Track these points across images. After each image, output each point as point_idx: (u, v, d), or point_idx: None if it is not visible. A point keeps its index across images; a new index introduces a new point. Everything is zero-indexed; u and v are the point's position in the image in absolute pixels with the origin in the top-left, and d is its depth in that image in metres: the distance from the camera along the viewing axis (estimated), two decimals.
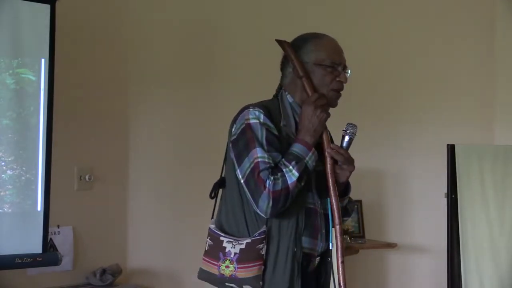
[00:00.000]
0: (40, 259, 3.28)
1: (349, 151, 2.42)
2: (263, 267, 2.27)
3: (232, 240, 2.30)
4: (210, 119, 4.20)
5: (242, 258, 2.26)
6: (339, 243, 2.34)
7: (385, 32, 4.93)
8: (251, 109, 2.33)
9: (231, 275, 2.27)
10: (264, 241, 2.27)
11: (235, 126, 2.36)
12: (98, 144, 3.92)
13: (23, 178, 3.26)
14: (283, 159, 2.27)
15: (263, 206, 2.23)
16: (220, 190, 2.44)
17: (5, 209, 3.23)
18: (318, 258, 2.42)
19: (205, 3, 4.32)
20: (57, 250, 3.44)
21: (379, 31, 4.90)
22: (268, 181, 2.22)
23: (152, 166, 4.10)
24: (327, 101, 2.38)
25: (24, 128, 3.27)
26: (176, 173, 4.16)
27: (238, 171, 2.29)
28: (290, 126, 2.38)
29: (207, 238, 2.37)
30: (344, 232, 3.49)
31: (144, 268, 4.04)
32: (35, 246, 3.27)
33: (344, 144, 2.43)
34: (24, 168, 3.27)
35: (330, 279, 2.44)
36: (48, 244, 3.34)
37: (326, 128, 2.38)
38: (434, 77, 5.08)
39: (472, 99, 5.22)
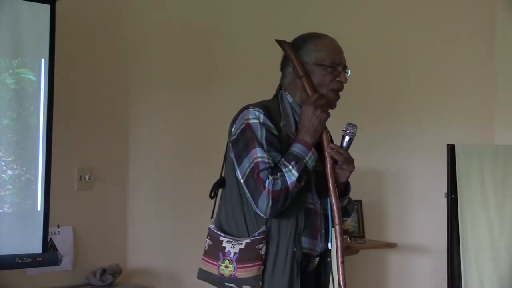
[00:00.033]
0: (40, 259, 3.28)
1: (349, 151, 2.42)
2: (262, 267, 2.27)
3: (231, 240, 2.30)
4: (210, 119, 4.20)
5: (242, 258, 2.26)
6: (339, 243, 2.34)
7: (385, 32, 4.93)
8: (251, 109, 2.33)
9: (231, 275, 2.27)
10: (263, 241, 2.26)
11: (235, 126, 2.36)
12: (98, 144, 3.92)
13: (23, 178, 3.26)
14: (282, 159, 2.27)
15: (263, 206, 2.23)
16: (220, 190, 2.44)
17: (5, 209, 3.24)
18: (317, 258, 2.41)
19: (205, 3, 4.32)
20: (57, 250, 3.45)
21: (379, 31, 4.90)
22: (267, 181, 2.22)
23: (152, 166, 4.10)
24: (327, 101, 2.39)
25: (24, 128, 3.27)
26: (176, 173, 4.16)
27: (237, 171, 2.29)
28: (290, 126, 2.38)
29: (207, 238, 2.37)
30: (344, 232, 3.50)
31: (144, 268, 4.04)
32: (35, 246, 3.27)
33: (344, 144, 2.43)
34: (24, 168, 3.27)
35: (329, 279, 2.44)
36: (48, 244, 3.34)
37: (326, 128, 2.38)
38: (434, 77, 5.08)
39: (472, 99, 5.22)
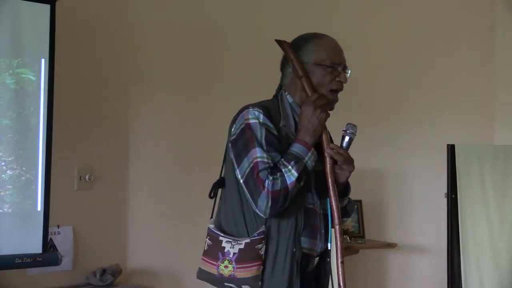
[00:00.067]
0: (40, 259, 3.28)
1: (349, 151, 2.42)
2: (262, 267, 2.27)
3: (231, 240, 2.30)
4: (210, 119, 4.20)
5: (241, 258, 2.26)
6: (338, 244, 2.34)
7: (385, 32, 4.92)
8: (250, 109, 2.33)
9: (230, 275, 2.27)
10: (263, 241, 2.27)
11: (234, 126, 2.36)
12: (98, 144, 3.92)
13: (23, 178, 3.26)
14: (282, 159, 2.27)
15: (262, 206, 2.23)
16: (220, 190, 2.44)
17: (5, 209, 3.24)
18: (317, 258, 2.41)
19: (205, 3, 4.32)
20: (57, 250, 3.44)
21: (379, 31, 4.90)
22: (267, 181, 2.22)
23: (152, 166, 4.10)
24: (327, 101, 2.39)
25: (24, 128, 3.27)
26: (176, 173, 4.16)
27: (237, 171, 2.29)
28: (289, 126, 2.38)
29: (206, 238, 2.37)
30: (344, 232, 3.50)
31: (144, 268, 4.04)
32: (35, 246, 3.27)
33: (344, 144, 2.43)
34: (24, 168, 3.27)
35: (329, 279, 2.44)
36: (48, 244, 3.34)
37: (325, 128, 2.38)
38: (434, 77, 5.08)
39: (472, 99, 5.22)
